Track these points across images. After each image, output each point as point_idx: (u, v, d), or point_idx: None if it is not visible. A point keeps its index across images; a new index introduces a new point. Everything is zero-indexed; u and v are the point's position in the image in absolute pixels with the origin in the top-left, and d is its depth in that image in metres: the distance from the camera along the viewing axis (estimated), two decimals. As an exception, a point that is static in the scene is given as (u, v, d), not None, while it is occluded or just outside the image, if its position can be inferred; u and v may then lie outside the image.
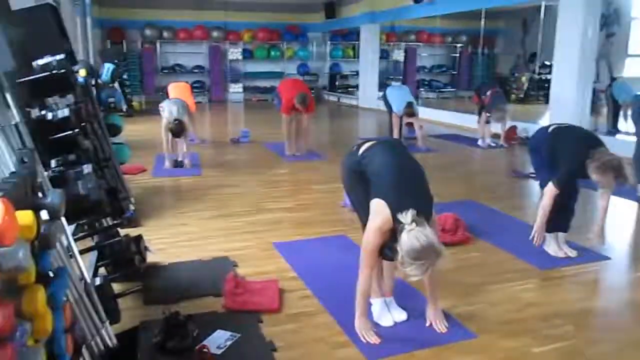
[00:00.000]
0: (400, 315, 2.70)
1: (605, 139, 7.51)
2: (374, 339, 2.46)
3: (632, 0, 11.94)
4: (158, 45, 14.63)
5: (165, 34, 14.54)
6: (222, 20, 15.10)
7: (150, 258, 3.31)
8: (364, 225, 2.48)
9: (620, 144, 6.49)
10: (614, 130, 8.05)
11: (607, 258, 3.55)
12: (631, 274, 3.41)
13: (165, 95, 7.33)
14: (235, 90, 15.43)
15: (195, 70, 15.03)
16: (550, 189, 3.32)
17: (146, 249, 3.27)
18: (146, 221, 4.21)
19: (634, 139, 5.36)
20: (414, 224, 2.19)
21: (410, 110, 7.55)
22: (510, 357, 2.38)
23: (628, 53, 12.32)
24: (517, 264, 3.43)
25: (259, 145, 7.99)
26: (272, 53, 15.78)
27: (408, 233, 2.18)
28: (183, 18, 14.70)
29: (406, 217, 2.22)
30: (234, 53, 15.25)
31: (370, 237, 2.37)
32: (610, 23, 12.33)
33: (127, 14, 14.14)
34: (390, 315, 2.68)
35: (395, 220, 2.28)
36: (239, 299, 2.80)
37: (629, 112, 6.25)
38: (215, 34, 14.93)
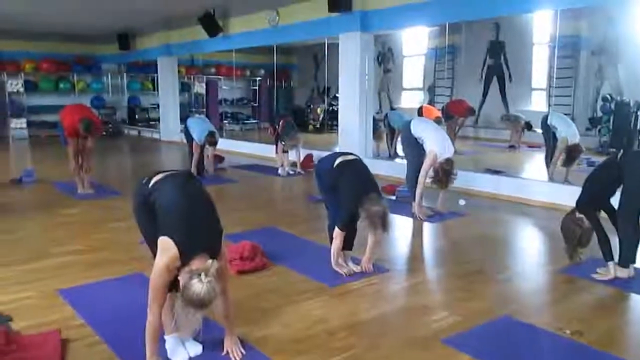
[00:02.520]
0: (196, 349, 2.66)
1: (385, 162, 8.41)
2: (166, 378, 2.39)
3: (403, 40, 13.63)
4: None
5: None
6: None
7: None
8: None
9: (398, 166, 7.33)
10: (394, 154, 9.02)
11: (386, 270, 3.95)
12: (405, 283, 3.82)
13: None
14: (18, 125, 13.92)
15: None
16: (338, 232, 3.77)
17: None
18: None
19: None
20: (208, 276, 2.21)
21: (212, 139, 7.70)
22: (300, 374, 2.50)
23: (403, 87, 14.01)
24: (309, 284, 3.63)
25: (47, 184, 7.30)
26: (61, 85, 14.63)
27: (201, 282, 2.20)
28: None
29: (203, 264, 2.24)
30: (14, 85, 13.79)
31: (156, 275, 2.32)
32: (387, 60, 13.96)
33: None
34: (184, 349, 2.64)
35: (185, 258, 2.27)
36: (9, 358, 2.50)
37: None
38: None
